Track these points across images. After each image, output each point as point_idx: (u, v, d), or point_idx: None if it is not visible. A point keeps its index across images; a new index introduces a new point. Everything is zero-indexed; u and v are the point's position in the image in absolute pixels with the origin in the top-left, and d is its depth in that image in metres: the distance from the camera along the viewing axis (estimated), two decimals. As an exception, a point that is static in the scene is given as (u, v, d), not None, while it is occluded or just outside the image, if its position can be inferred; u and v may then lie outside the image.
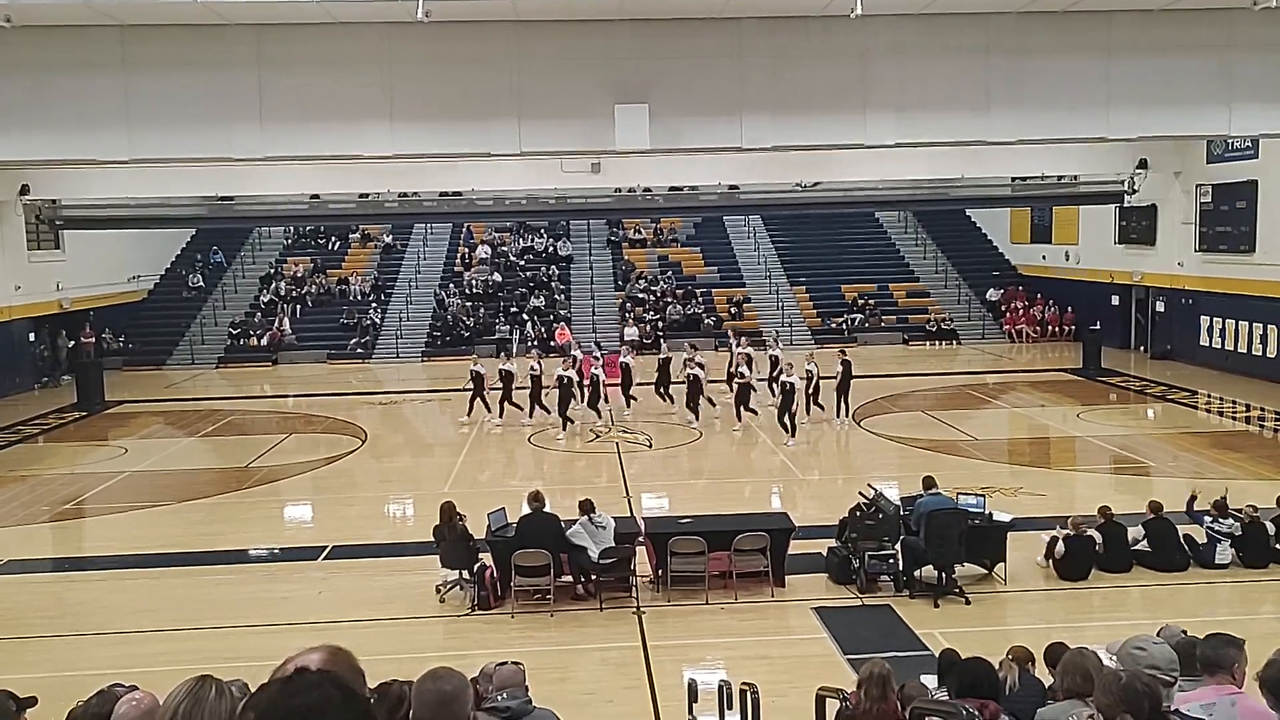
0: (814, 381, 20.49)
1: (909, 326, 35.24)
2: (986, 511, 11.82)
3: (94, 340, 31.65)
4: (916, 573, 11.25)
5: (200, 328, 34.89)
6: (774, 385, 21.66)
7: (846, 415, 20.88)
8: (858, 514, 11.65)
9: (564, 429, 20.33)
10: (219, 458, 20.18)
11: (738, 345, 22.56)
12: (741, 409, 20.29)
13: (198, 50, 14.26)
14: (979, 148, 20.04)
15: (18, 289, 27.61)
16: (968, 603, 10.94)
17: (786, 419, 18.96)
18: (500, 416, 21.55)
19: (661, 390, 22.55)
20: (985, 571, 11.64)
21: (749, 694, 6.81)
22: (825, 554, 11.87)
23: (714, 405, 21.21)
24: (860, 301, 36.06)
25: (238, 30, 14.18)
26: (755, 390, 20.65)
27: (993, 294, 36.76)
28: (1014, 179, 27.33)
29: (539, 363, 21.49)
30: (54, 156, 16.13)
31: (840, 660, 9.50)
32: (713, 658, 9.85)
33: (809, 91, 14.97)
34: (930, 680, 6.76)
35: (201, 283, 37.18)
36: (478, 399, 21.78)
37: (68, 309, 30.18)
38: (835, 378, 20.74)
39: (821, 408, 20.79)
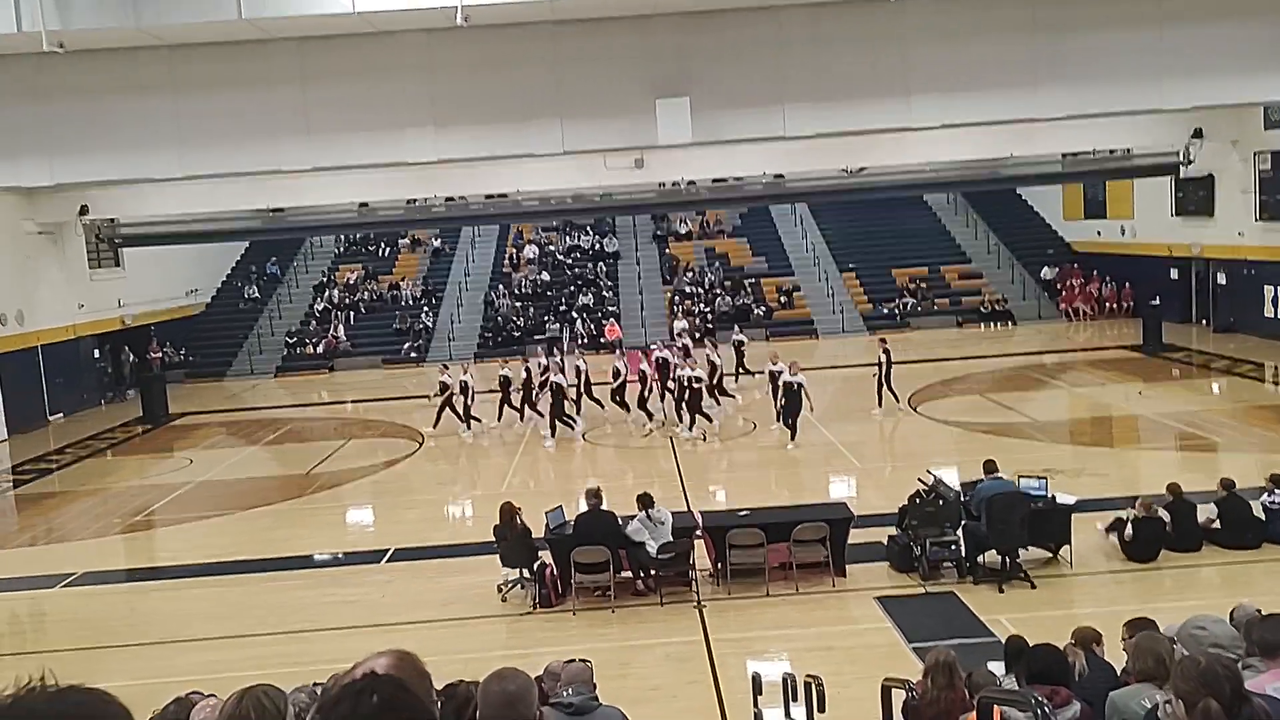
0: (717, 373, 20.38)
1: (963, 309, 34.77)
2: (1049, 494, 11.63)
3: (160, 355, 32.38)
4: (980, 558, 11.11)
5: (258, 338, 35.52)
6: (714, 392, 21.14)
7: (897, 403, 20.59)
8: (917, 501, 11.54)
9: (553, 434, 19.84)
10: (281, 465, 20.53)
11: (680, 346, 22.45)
12: (696, 414, 19.57)
13: (243, 67, 14.54)
14: (1028, 125, 19.72)
15: (81, 307, 28.34)
16: (1033, 587, 10.79)
17: (791, 420, 18.21)
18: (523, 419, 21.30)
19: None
20: (1050, 555, 11.48)
21: (814, 686, 6.78)
22: (886, 542, 11.77)
23: (710, 418, 20.41)
24: (912, 285, 35.65)
25: (281, 45, 14.41)
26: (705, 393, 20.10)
27: (1047, 273, 36.14)
28: (1065, 155, 26.85)
29: (526, 367, 21.58)
30: (109, 177, 16.57)
31: (905, 649, 9.43)
32: (775, 650, 9.82)
33: (850, 77, 14.85)
34: (998, 667, 6.67)
35: (257, 294, 37.90)
36: (503, 404, 21.50)
37: (130, 325, 30.92)
38: (879, 367, 20.44)
39: (733, 396, 20.92)
